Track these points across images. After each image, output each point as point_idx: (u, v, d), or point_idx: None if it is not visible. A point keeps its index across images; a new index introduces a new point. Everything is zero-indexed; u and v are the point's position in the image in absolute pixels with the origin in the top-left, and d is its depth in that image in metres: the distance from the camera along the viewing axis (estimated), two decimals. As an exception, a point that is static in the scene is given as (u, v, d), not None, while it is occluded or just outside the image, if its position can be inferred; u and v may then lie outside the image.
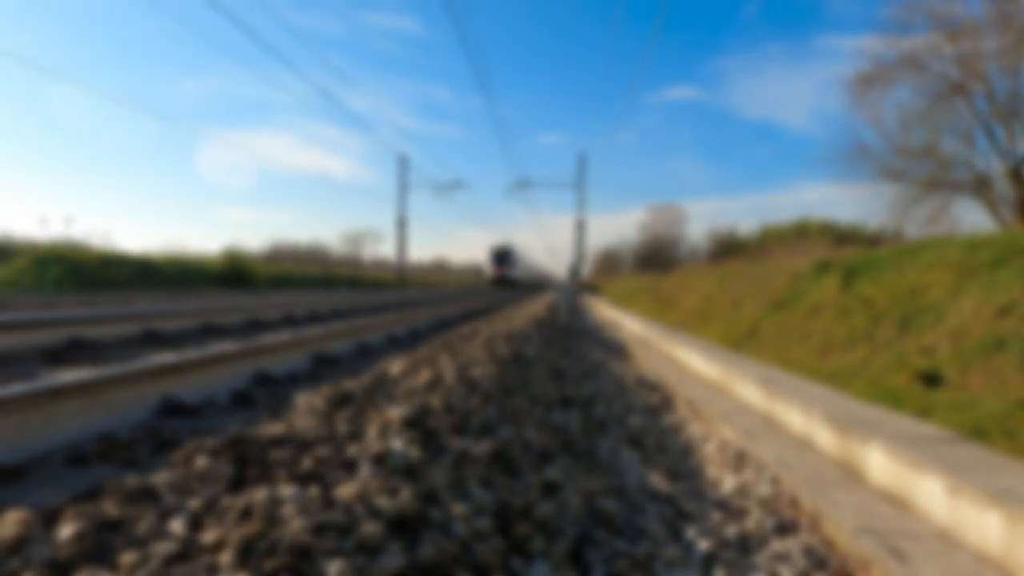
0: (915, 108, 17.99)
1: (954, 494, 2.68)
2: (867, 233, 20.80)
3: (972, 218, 18.35)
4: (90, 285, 18.36)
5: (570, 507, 2.39)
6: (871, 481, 3.37)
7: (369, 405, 2.70)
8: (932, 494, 2.84)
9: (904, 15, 17.32)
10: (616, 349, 10.73)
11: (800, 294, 9.62)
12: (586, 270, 56.62)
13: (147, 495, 1.60)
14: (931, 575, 2.32)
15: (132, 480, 1.64)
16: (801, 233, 22.67)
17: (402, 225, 44.98)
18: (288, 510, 1.50)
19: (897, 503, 3.07)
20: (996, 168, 16.88)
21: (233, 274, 26.49)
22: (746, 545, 2.77)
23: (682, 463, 4.08)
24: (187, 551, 1.32)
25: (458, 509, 1.82)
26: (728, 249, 30.92)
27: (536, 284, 71.32)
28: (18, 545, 1.29)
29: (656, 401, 6.10)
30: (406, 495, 1.73)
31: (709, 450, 4.35)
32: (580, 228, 45.12)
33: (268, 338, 5.93)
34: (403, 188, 45.06)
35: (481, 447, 2.38)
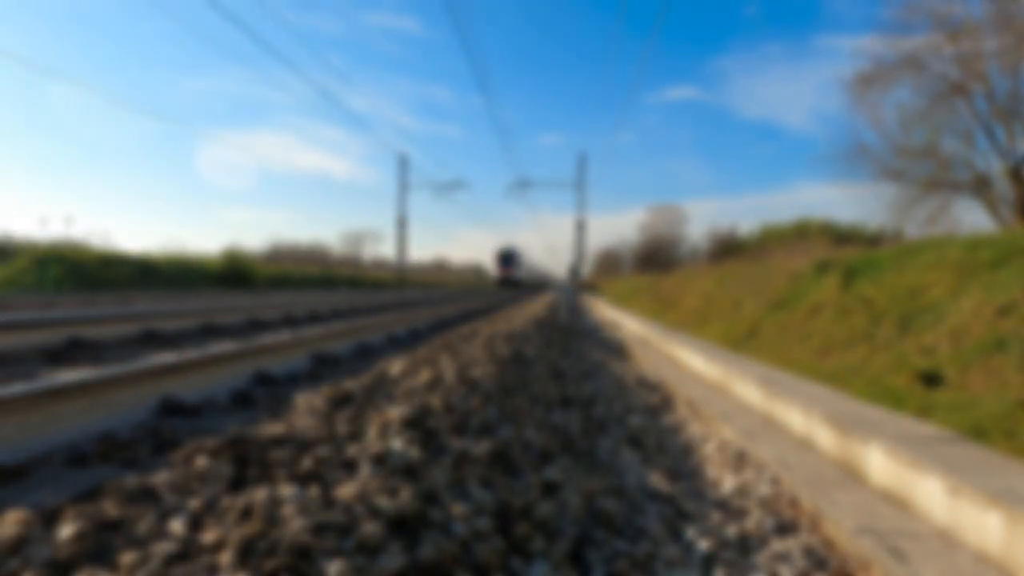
0: (915, 108, 18.02)
1: (954, 494, 2.68)
2: (867, 233, 20.83)
3: (972, 218, 18.36)
4: (90, 285, 18.37)
5: (570, 507, 2.39)
6: (871, 481, 3.37)
7: (369, 405, 2.70)
8: (932, 494, 2.84)
9: (904, 15, 17.36)
10: (616, 349, 10.73)
11: (800, 294, 9.62)
12: (586, 270, 56.65)
13: (147, 495, 1.60)
14: (931, 575, 2.32)
15: (132, 480, 1.64)
16: (801, 233, 22.70)
17: (402, 225, 45.01)
18: (288, 510, 1.50)
19: (897, 503, 3.07)
20: (996, 168, 16.91)
21: (233, 274, 26.49)
22: (746, 545, 2.77)
23: (682, 463, 4.08)
24: (187, 551, 1.32)
25: (458, 509, 1.82)
26: (728, 249, 30.93)
27: (537, 284, 71.40)
28: (18, 545, 1.29)
29: (656, 401, 6.10)
30: (406, 495, 1.73)
31: (709, 450, 4.35)
32: (580, 228, 45.15)
33: (268, 338, 5.93)
34: (403, 188, 45.09)
35: (481, 447, 2.38)
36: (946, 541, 2.61)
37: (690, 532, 2.77)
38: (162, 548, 1.30)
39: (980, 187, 17.29)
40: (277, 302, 11.76)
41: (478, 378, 3.62)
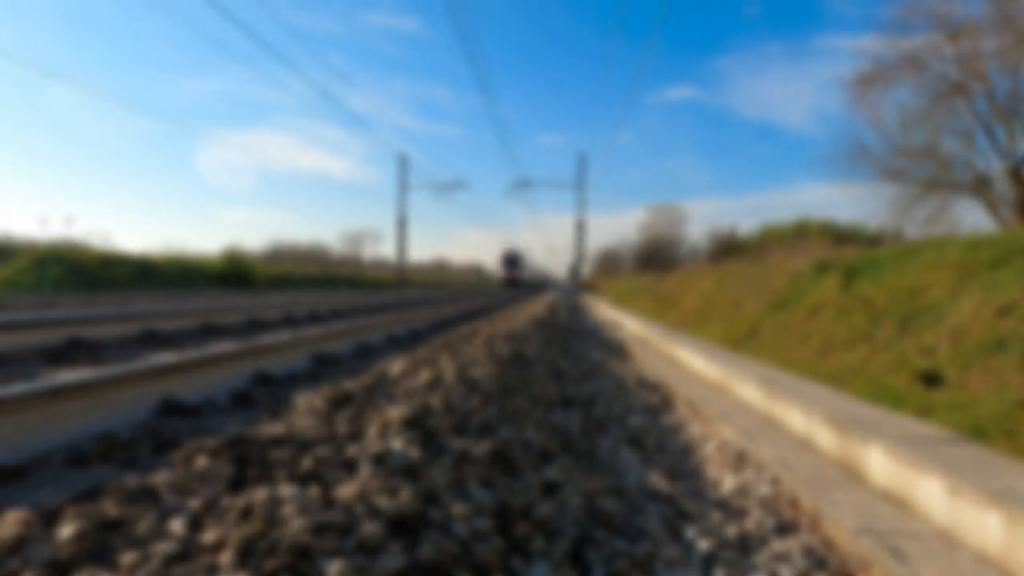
0: (915, 108, 18.00)
1: (954, 494, 2.68)
2: (867, 233, 20.80)
3: (972, 218, 18.35)
4: (90, 285, 18.37)
5: (570, 507, 2.39)
6: (871, 481, 3.37)
7: (369, 405, 2.70)
8: (932, 494, 2.84)
9: (904, 15, 17.35)
10: (616, 349, 10.73)
11: (800, 294, 9.62)
12: (586, 270, 56.61)
13: (147, 495, 1.60)
14: (931, 575, 2.32)
15: (132, 480, 1.64)
16: (801, 233, 22.67)
17: (402, 225, 45.01)
18: (288, 510, 1.50)
19: (897, 503, 3.07)
20: (996, 168, 16.90)
21: (233, 274, 26.49)
22: (746, 545, 2.77)
23: (682, 463, 4.08)
24: (187, 551, 1.32)
25: (458, 509, 1.82)
26: (728, 249, 30.90)
27: (537, 284, 71.49)
28: (18, 545, 1.29)
29: (656, 401, 6.10)
30: (406, 495, 1.73)
31: (709, 450, 4.35)
32: (580, 228, 45.15)
33: (268, 338, 5.93)
34: (403, 188, 45.09)
35: (481, 447, 2.38)
36: (946, 541, 2.61)
37: (690, 532, 2.77)
38: (162, 548, 1.30)
39: (980, 187, 17.29)
40: (277, 302, 11.76)
41: (478, 378, 3.62)
